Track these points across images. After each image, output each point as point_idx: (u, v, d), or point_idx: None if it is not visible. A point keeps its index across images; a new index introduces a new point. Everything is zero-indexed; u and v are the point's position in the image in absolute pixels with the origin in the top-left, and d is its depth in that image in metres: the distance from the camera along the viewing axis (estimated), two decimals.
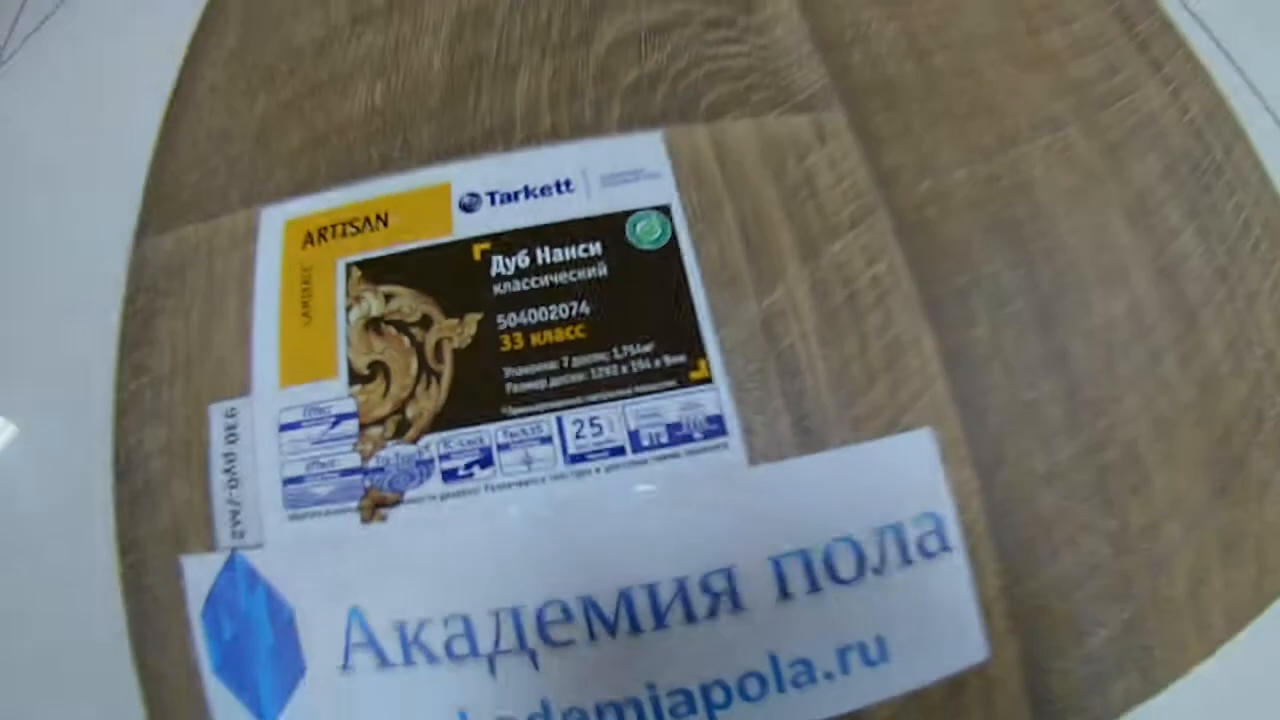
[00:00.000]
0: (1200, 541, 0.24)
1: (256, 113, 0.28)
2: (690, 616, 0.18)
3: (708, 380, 0.19)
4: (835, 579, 0.18)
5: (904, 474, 0.20)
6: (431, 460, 0.19)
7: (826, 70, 0.28)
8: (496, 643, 0.18)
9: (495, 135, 0.24)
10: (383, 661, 0.18)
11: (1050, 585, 0.22)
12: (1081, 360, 0.23)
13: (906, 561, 0.19)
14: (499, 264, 0.20)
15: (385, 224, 0.22)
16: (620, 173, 0.22)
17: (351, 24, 0.31)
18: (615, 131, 0.24)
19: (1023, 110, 0.28)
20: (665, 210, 0.21)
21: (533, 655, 0.18)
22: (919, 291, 0.23)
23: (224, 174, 0.27)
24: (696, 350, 0.19)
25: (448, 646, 0.18)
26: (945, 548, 0.19)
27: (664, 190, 0.22)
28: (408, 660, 0.18)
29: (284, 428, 0.20)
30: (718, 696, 0.18)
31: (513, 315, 0.20)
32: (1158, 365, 0.24)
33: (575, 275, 0.20)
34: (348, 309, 0.21)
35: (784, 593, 0.18)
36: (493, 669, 0.18)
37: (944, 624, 0.20)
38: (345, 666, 0.19)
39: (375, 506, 0.19)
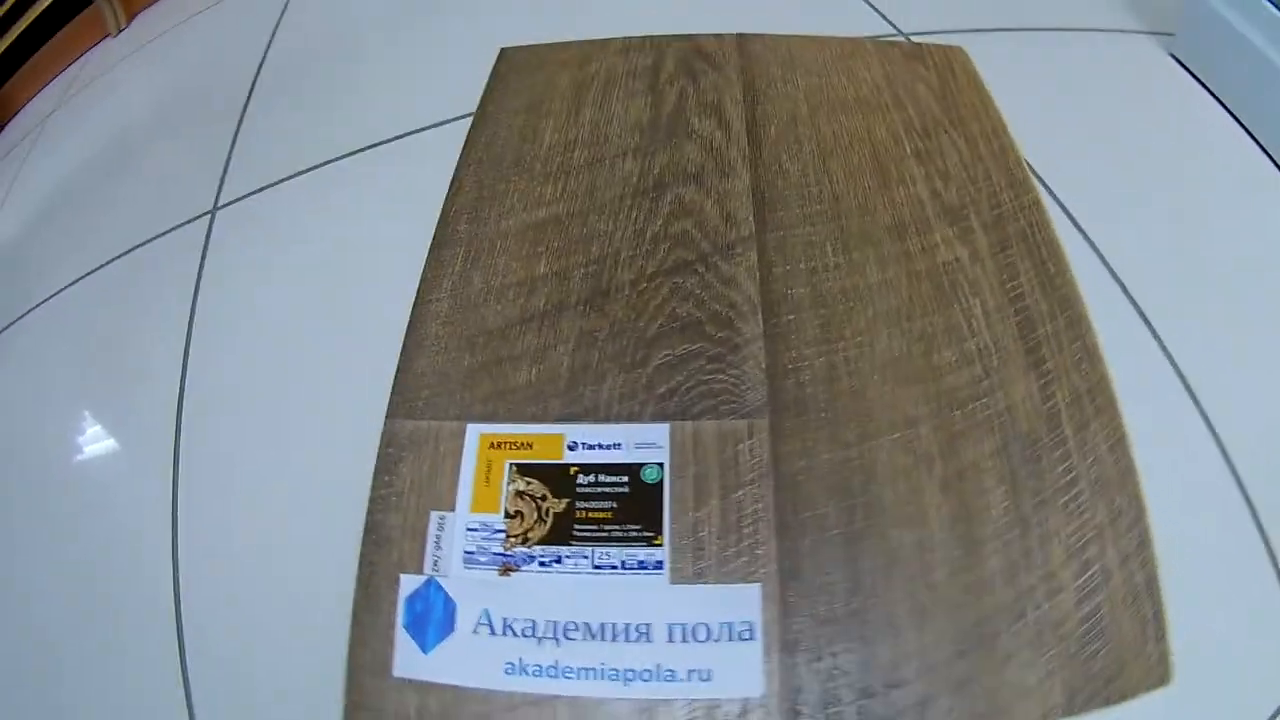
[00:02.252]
0: (933, 678, 0.68)
1: (464, 366, 0.79)
2: (628, 639, 0.63)
3: (660, 545, 0.66)
4: (695, 639, 0.64)
5: (743, 601, 0.65)
6: (535, 556, 0.66)
7: (768, 393, 0.76)
8: (545, 632, 0.64)
9: (590, 412, 0.74)
10: (492, 631, 0.64)
11: (815, 672, 0.66)
12: (867, 566, 0.69)
13: (731, 640, 0.64)
14: (581, 478, 0.69)
15: (530, 448, 0.71)
16: (644, 443, 0.71)
17: (521, 322, 0.81)
18: (647, 420, 0.73)
19: (886, 415, 0.76)
20: (661, 465, 0.70)
21: (557, 640, 0.63)
22: (776, 519, 0.70)
23: (444, 398, 0.77)
24: (659, 531, 0.67)
25: (523, 631, 0.64)
26: (752, 638, 0.64)
27: (663, 454, 0.70)
28: (505, 633, 0.64)
29: (468, 529, 0.68)
30: (629, 675, 0.63)
31: (582, 503, 0.69)
32: (929, 575, 0.69)
33: (613, 489, 0.69)
34: (509, 484, 0.69)
35: (670, 639, 0.64)
36: (539, 642, 0.63)
37: (744, 671, 0.65)
38: (474, 632, 0.64)
39: (506, 570, 0.66)
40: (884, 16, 1.25)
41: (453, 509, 0.72)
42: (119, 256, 1.02)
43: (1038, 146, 0.96)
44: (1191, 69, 1.16)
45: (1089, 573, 0.68)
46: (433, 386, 0.81)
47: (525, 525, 0.70)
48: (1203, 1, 1.14)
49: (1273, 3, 1.05)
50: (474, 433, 0.76)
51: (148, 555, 0.81)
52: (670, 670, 0.64)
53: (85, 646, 0.78)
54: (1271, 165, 0.98)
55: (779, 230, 0.88)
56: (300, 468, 0.81)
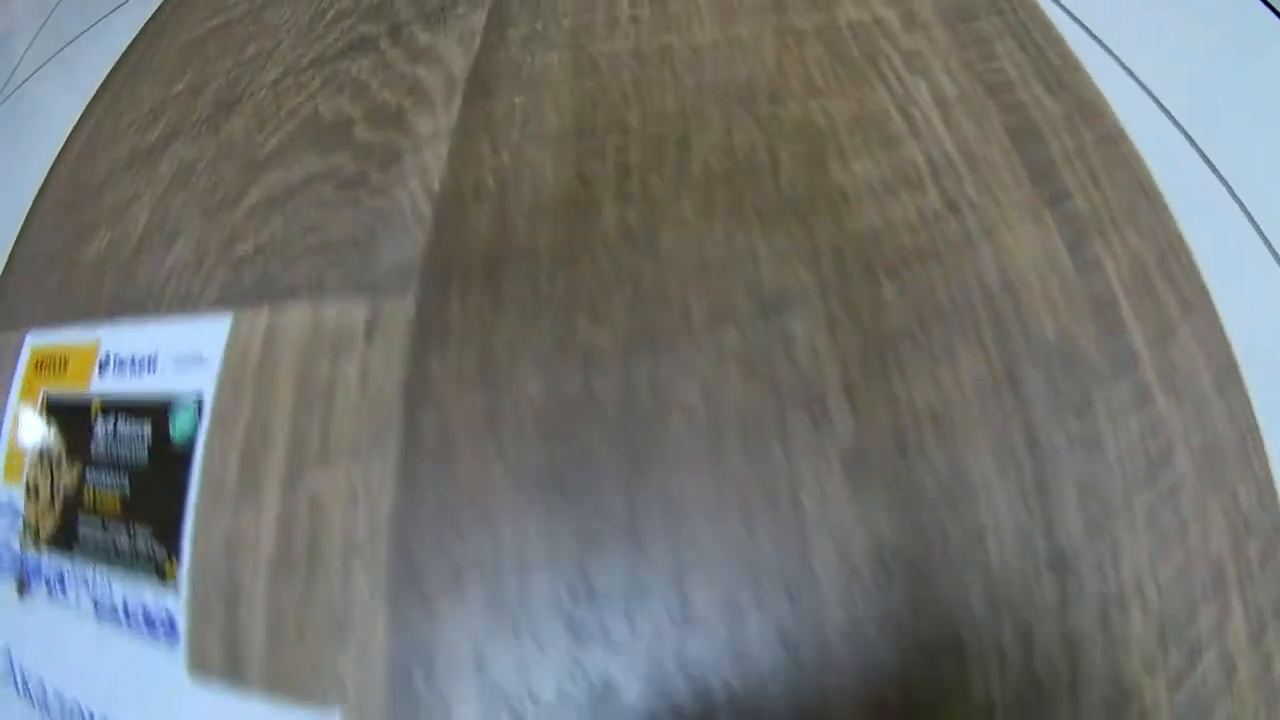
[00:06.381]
0: None
1: (50, 246, 0.48)
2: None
3: (173, 583, 0.35)
4: None
5: None
6: (43, 570, 0.39)
7: (429, 237, 0.37)
8: (55, 711, 0.37)
9: (143, 298, 0.40)
10: (18, 690, 0.38)
11: None
12: None
13: None
14: (99, 425, 0.40)
15: (65, 367, 0.42)
16: (186, 356, 0.37)
17: (122, 168, 0.49)
18: (206, 305, 0.38)
19: (683, 298, 0.33)
20: (200, 403, 0.36)
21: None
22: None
23: (20, 295, 0.47)
24: (175, 551, 0.35)
25: (38, 700, 0.38)
26: None
27: (209, 377, 0.36)
28: (26, 696, 0.38)
29: None
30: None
31: (93, 472, 0.39)
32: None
33: (130, 451, 0.38)
34: (35, 433, 0.40)
35: None
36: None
37: None
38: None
39: (21, 587, 0.39)
40: None
41: None
42: None
43: None
44: None
45: None
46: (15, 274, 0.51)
47: (39, 509, 0.41)
48: None
49: None
50: (30, 343, 0.45)
51: None
52: None
53: None
54: None
55: None
56: None
